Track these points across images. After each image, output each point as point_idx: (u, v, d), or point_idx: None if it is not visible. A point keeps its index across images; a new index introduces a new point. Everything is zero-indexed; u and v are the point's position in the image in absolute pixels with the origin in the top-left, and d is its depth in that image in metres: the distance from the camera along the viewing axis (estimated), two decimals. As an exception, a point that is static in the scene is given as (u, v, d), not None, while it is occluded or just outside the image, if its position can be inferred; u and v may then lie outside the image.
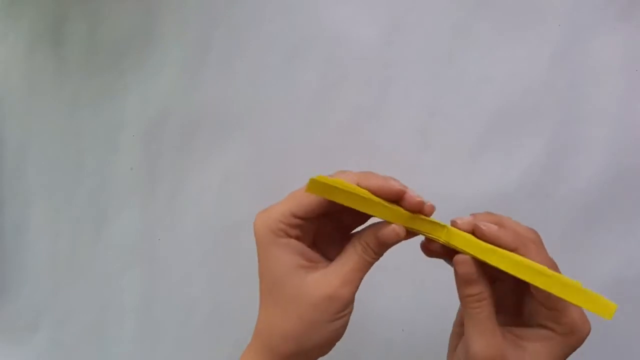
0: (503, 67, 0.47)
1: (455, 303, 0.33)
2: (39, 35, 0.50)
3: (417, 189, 0.33)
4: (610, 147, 0.47)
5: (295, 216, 0.30)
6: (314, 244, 0.33)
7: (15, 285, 0.50)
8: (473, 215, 0.32)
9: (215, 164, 0.49)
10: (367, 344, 0.47)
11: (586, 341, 0.42)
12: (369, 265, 0.31)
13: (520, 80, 0.47)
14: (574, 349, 0.30)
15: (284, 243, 0.30)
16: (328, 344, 0.31)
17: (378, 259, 0.32)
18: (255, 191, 0.48)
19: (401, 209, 0.30)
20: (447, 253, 0.31)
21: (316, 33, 0.48)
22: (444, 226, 0.31)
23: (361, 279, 0.31)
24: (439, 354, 0.36)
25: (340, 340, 0.33)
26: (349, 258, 0.31)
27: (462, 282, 0.30)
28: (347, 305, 0.30)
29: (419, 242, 0.33)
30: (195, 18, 0.49)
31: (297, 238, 0.31)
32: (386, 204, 0.30)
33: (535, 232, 0.32)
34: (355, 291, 0.31)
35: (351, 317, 0.33)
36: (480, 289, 0.30)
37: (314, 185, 0.30)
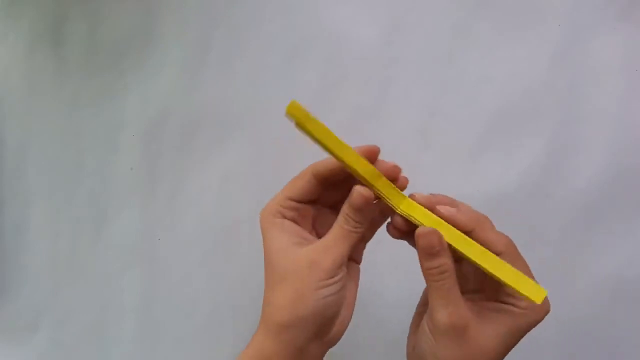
0: (503, 67, 0.47)
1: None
2: (39, 35, 0.50)
3: (417, 189, 0.33)
4: (610, 147, 0.47)
5: (291, 199, 0.33)
6: (318, 234, 0.35)
7: (15, 285, 0.50)
8: (432, 194, 0.33)
9: (215, 164, 0.49)
10: (367, 345, 0.47)
11: (587, 341, 0.42)
12: (351, 234, 0.32)
13: (520, 80, 0.47)
14: (533, 326, 0.32)
15: (279, 223, 0.33)
16: (322, 318, 0.32)
17: (361, 229, 0.32)
18: (255, 191, 0.48)
19: (369, 164, 0.31)
20: (411, 234, 0.32)
21: (316, 33, 0.48)
22: (404, 197, 0.32)
23: (345, 248, 0.32)
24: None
25: (340, 341, 0.33)
26: (332, 230, 0.33)
27: (425, 254, 0.31)
28: (329, 272, 0.31)
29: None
30: (195, 18, 0.49)
31: (294, 220, 0.34)
32: (356, 153, 0.31)
33: (485, 216, 0.33)
34: (339, 261, 0.32)
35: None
36: (443, 261, 0.31)
37: (293, 107, 0.29)
